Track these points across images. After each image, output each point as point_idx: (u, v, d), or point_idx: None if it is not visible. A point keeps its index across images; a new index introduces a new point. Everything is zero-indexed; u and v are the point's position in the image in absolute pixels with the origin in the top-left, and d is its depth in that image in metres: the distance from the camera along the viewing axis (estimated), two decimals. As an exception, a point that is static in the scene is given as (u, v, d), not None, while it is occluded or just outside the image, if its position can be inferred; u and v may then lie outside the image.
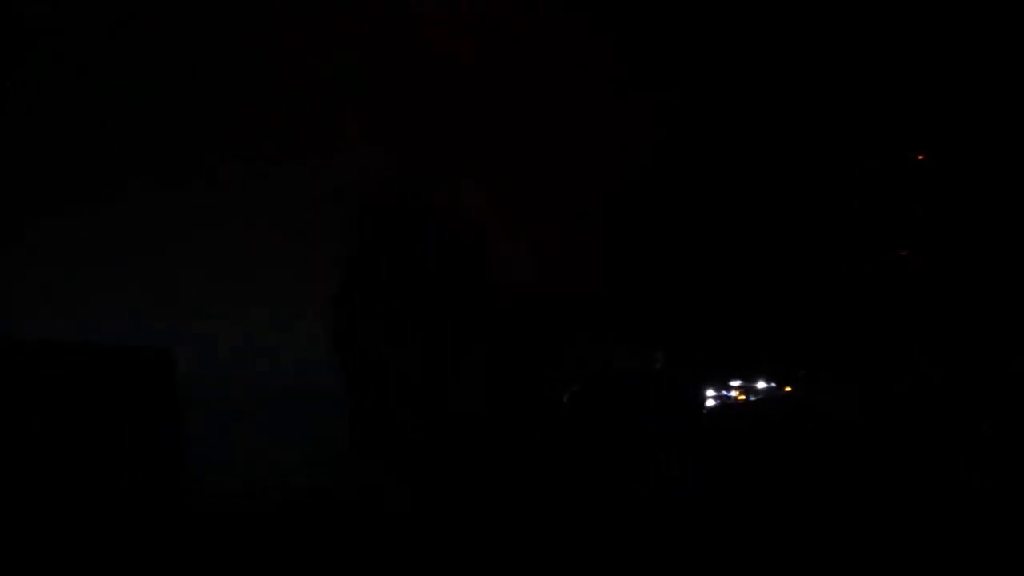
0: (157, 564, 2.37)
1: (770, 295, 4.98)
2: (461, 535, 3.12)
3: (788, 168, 5.07)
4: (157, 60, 2.93)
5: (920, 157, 5.07)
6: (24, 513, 2.13)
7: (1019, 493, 3.65)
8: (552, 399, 3.58)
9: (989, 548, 3.27)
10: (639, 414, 3.75)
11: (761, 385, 4.29)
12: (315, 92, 3.35)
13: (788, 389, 4.38)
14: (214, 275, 2.98)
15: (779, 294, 4.99)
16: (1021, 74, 4.69)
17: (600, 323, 4.14)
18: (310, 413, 3.08)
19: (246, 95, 3.15)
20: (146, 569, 2.35)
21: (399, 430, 3.45)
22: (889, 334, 4.93)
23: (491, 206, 3.85)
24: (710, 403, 4.13)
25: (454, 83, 3.80)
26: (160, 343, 2.61)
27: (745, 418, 4.14)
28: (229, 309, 3.00)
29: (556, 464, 3.53)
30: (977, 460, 3.95)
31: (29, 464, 2.16)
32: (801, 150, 5.11)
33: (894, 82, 4.97)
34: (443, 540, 3.07)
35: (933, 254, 5.12)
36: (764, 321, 4.84)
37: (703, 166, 4.87)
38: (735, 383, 4.18)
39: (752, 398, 4.18)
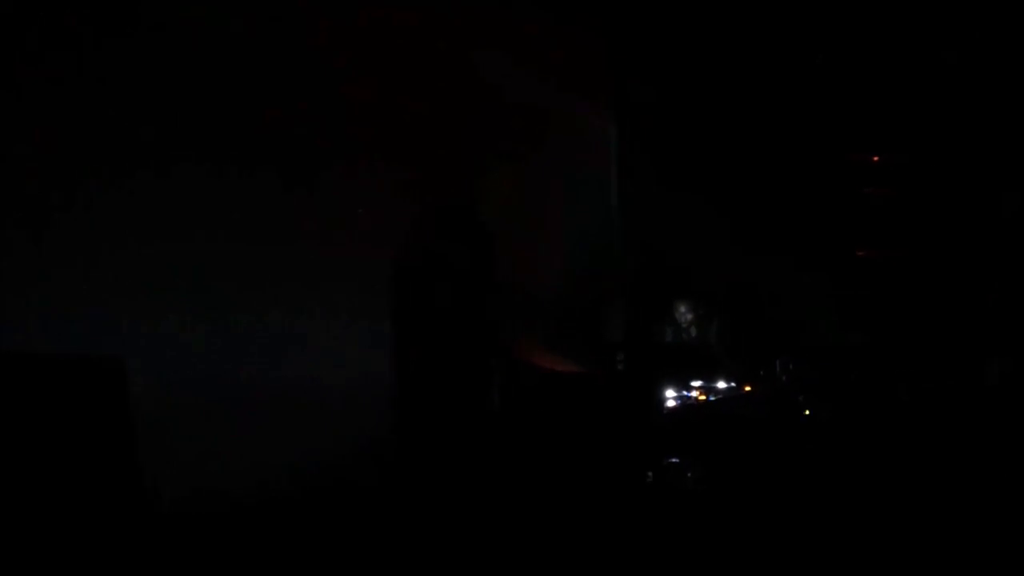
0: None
1: (737, 293, 5.18)
2: (454, 536, 3.26)
3: (777, 166, 5.18)
4: (136, 61, 3.02)
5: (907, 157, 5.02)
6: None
7: (1017, 492, 3.79)
8: (514, 400, 3.82)
9: (978, 547, 3.39)
10: (598, 413, 4.01)
11: (721, 385, 4.63)
12: (293, 90, 3.44)
13: (748, 388, 4.65)
14: (168, 280, 3.04)
15: (747, 291, 5.17)
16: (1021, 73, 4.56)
17: (563, 322, 4.32)
18: (273, 418, 3.18)
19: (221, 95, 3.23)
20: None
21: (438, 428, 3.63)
22: (872, 330, 4.96)
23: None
24: (671, 403, 4.42)
25: (451, 82, 3.96)
26: (110, 350, 2.60)
27: (707, 416, 4.44)
28: (185, 315, 3.07)
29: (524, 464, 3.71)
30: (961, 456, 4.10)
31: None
32: (793, 151, 5.21)
33: (894, 81, 4.95)
34: (435, 542, 3.22)
35: (923, 252, 5.03)
36: (727, 320, 5.08)
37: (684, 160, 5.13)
38: (695, 383, 4.57)
39: (712, 398, 4.54)
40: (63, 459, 2.40)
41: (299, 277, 3.49)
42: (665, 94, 5.04)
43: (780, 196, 5.29)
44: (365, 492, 3.38)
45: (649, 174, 4.99)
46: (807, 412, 4.63)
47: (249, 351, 3.29)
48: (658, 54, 4.97)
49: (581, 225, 4.68)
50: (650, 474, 4.09)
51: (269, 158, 3.50)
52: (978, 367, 4.70)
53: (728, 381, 4.63)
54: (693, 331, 5.09)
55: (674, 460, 4.21)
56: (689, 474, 4.15)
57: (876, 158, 5.44)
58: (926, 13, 5.17)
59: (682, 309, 5.04)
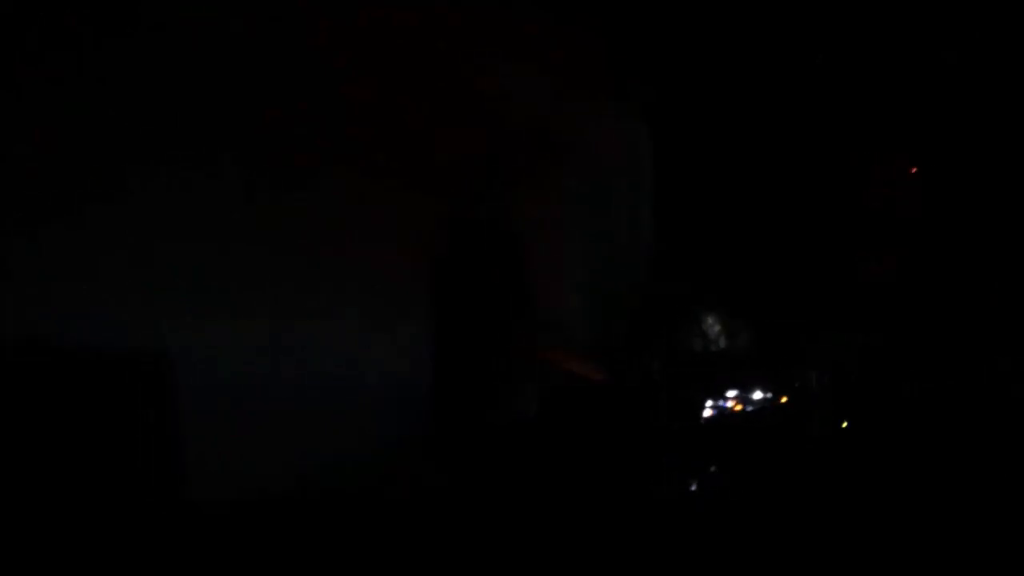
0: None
1: (769, 303, 5.09)
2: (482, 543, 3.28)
3: (788, 172, 5.17)
4: (136, 61, 3.04)
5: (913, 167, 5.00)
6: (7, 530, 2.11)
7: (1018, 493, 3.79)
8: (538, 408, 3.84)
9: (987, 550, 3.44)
10: (637, 422, 4.03)
11: (757, 395, 4.54)
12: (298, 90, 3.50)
13: (784, 399, 4.55)
14: (214, 277, 3.07)
15: (777, 302, 5.09)
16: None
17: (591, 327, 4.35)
18: (317, 420, 3.21)
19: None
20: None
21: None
22: (892, 337, 4.86)
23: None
24: (707, 412, 4.39)
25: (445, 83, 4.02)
26: (156, 347, 2.64)
27: (741, 427, 4.43)
28: (231, 312, 3.09)
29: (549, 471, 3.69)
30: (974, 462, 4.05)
31: (13, 476, 2.15)
32: (797, 155, 5.19)
33: (894, 81, 4.97)
34: (461, 549, 3.23)
35: (926, 255, 4.96)
36: (761, 331, 4.98)
37: (702, 169, 5.12)
38: (731, 393, 4.49)
39: (748, 408, 4.45)
40: (102, 457, 2.42)
41: (324, 279, 3.52)
42: (690, 92, 5.05)
43: (785, 199, 5.27)
44: (392, 496, 3.39)
45: (678, 175, 4.96)
46: (845, 424, 4.56)
47: (276, 353, 3.29)
48: (681, 50, 5.00)
49: (607, 227, 4.67)
50: (694, 485, 4.05)
51: (273, 158, 3.51)
52: (981, 367, 4.61)
53: (764, 391, 4.54)
54: (722, 340, 5.00)
55: (713, 469, 4.16)
56: (728, 484, 4.12)
57: (877, 159, 5.43)
58: (926, 13, 5.21)
59: (710, 317, 4.96)
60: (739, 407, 4.44)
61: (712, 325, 4.99)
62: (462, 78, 4.08)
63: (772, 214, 5.25)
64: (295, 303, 3.38)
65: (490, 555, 3.26)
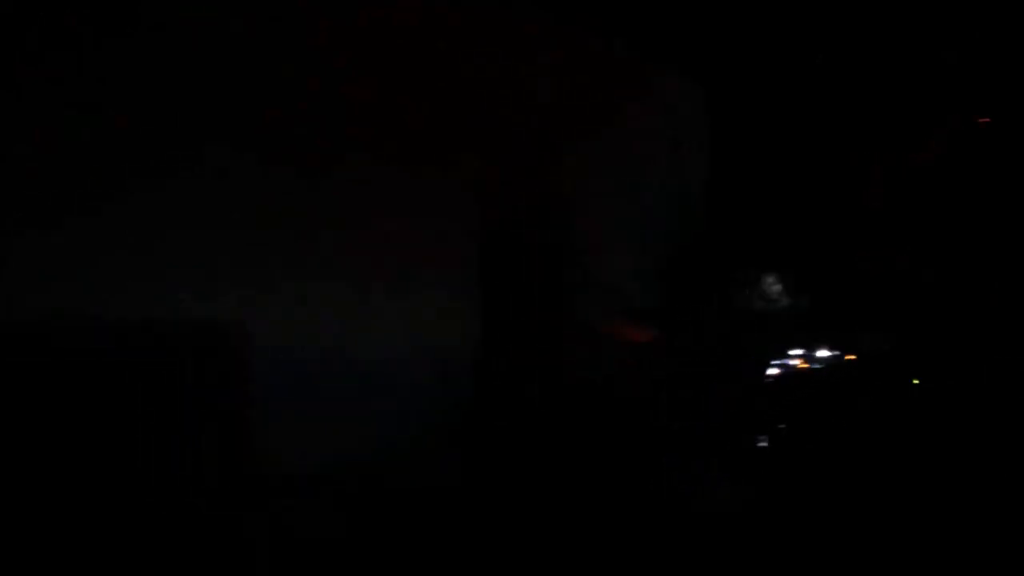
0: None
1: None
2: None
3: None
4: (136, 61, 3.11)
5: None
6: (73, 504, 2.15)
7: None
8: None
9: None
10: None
11: (822, 353, 4.33)
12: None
13: (850, 358, 4.32)
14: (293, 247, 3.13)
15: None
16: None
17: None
18: (393, 401, 3.22)
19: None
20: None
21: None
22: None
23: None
24: (772, 371, 4.25)
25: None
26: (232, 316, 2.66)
27: (811, 385, 4.24)
28: (266, 301, 3.07)
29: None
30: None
31: (81, 455, 2.17)
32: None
33: (898, 77, 5.01)
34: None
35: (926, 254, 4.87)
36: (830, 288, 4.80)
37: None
38: (795, 351, 4.30)
39: (815, 366, 4.26)
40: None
41: (359, 265, 3.48)
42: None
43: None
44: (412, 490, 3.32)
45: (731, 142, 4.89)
46: (915, 382, 4.35)
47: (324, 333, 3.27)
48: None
49: (651, 201, 4.60)
50: (763, 442, 3.97)
51: (293, 152, 3.49)
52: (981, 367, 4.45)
53: (830, 349, 4.33)
54: (781, 300, 4.80)
55: (782, 426, 4.08)
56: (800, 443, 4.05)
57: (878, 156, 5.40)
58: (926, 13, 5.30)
59: (767, 278, 4.78)
60: (805, 365, 4.23)
61: (771, 284, 4.81)
62: (506, 55, 4.06)
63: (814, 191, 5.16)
64: (326, 291, 3.34)
65: (490, 555, 3.23)
